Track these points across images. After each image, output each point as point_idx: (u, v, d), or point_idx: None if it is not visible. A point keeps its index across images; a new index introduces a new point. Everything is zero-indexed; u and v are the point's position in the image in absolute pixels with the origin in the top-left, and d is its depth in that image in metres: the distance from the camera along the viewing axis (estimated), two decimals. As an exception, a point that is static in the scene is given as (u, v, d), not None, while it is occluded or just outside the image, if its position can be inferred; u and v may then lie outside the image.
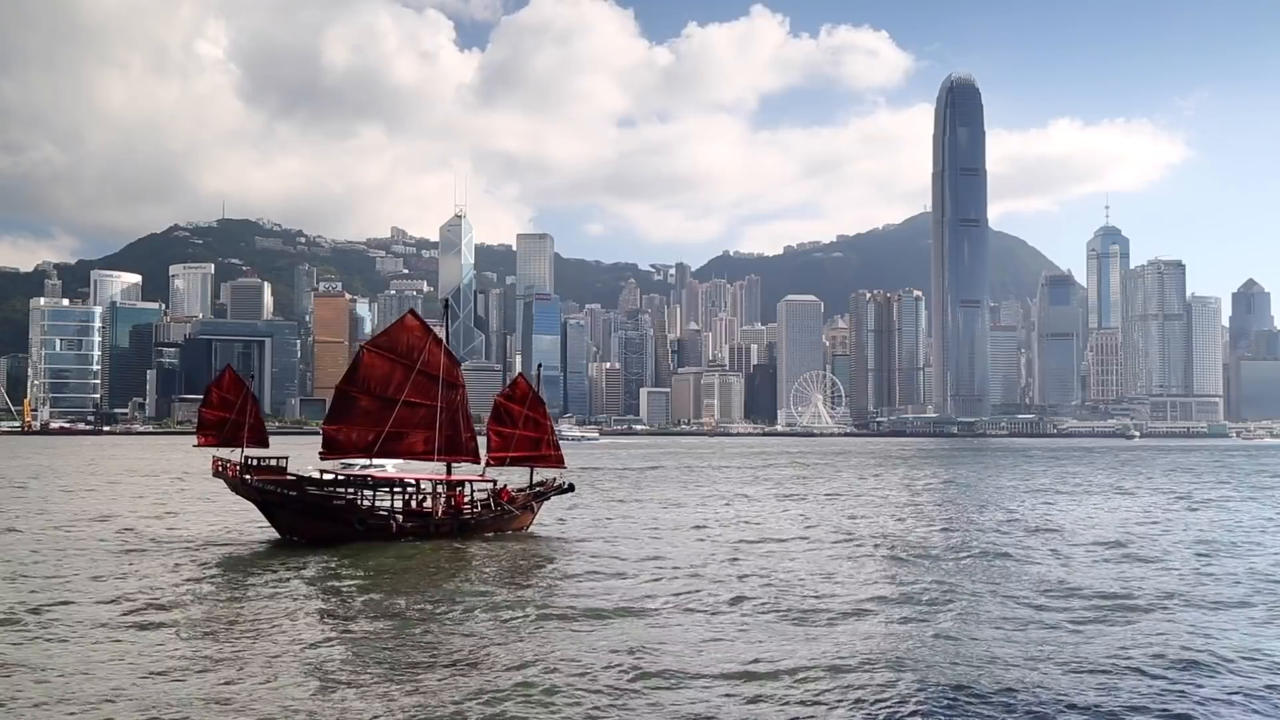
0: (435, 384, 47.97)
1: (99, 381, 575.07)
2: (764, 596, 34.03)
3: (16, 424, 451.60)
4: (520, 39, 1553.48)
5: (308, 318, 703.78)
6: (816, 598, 33.75)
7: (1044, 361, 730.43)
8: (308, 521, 46.28)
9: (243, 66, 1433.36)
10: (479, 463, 51.48)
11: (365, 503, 47.94)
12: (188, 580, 38.00)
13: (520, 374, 56.52)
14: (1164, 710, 21.78)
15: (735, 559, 43.18)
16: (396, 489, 49.49)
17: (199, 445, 51.11)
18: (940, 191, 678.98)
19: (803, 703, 21.90)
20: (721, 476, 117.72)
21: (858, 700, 22.06)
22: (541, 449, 53.66)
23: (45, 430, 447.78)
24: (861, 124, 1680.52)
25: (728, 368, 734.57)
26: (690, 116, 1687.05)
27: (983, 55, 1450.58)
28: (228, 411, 49.94)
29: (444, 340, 48.99)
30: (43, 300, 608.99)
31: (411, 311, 51.16)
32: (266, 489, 46.39)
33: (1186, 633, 28.73)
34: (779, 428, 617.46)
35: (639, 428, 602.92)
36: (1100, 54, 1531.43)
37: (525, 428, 52.60)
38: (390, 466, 57.46)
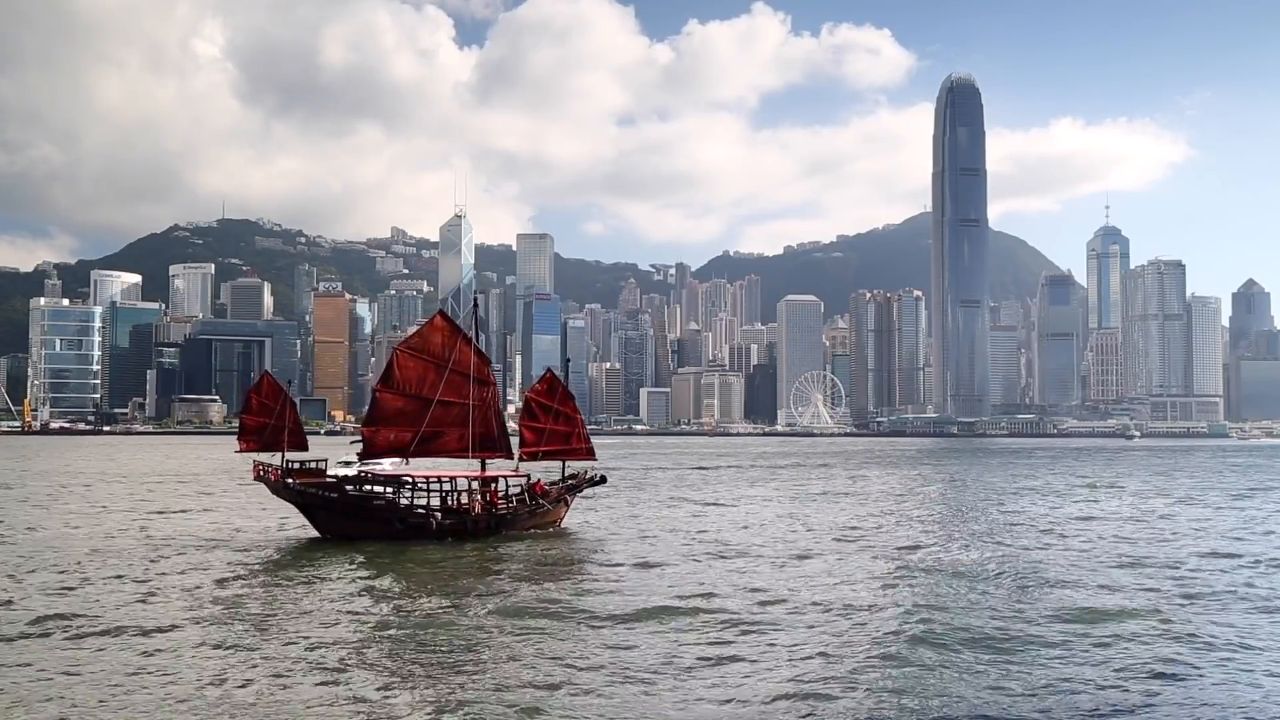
0: (467, 382, 48.31)
1: (99, 381, 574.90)
2: (785, 598, 34.05)
3: (16, 424, 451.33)
4: (519, 36, 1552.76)
5: (308, 318, 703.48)
6: (839, 602, 33.74)
7: (1044, 361, 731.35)
8: (349, 522, 46.57)
9: (240, 65, 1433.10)
10: (512, 458, 51.86)
11: (404, 501, 48.24)
12: (236, 580, 38.31)
13: (549, 370, 56.75)
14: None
15: (752, 560, 43.46)
16: (434, 487, 49.81)
17: (241, 451, 51.57)
18: (940, 191, 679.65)
19: (823, 708, 21.94)
20: (727, 478, 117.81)
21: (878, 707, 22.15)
22: (572, 443, 54.26)
23: (45, 430, 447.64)
24: (862, 123, 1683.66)
25: (728, 368, 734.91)
26: (690, 115, 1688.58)
27: (985, 54, 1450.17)
28: (267, 417, 50.40)
29: (473, 339, 49.20)
30: (43, 300, 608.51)
31: (441, 312, 51.46)
32: (307, 491, 46.72)
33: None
34: (779, 428, 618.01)
35: (639, 428, 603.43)
36: (1103, 53, 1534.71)
37: (557, 423, 53.10)
38: (387, 465, 57.64)
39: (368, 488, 48.52)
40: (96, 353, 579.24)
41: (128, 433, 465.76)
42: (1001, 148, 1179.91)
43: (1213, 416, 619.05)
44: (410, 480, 48.87)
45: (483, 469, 50.97)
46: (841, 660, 25.58)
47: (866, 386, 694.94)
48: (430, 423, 47.31)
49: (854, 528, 57.00)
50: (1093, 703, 22.33)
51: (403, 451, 47.80)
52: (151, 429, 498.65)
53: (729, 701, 22.16)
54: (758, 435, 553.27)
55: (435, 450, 48.61)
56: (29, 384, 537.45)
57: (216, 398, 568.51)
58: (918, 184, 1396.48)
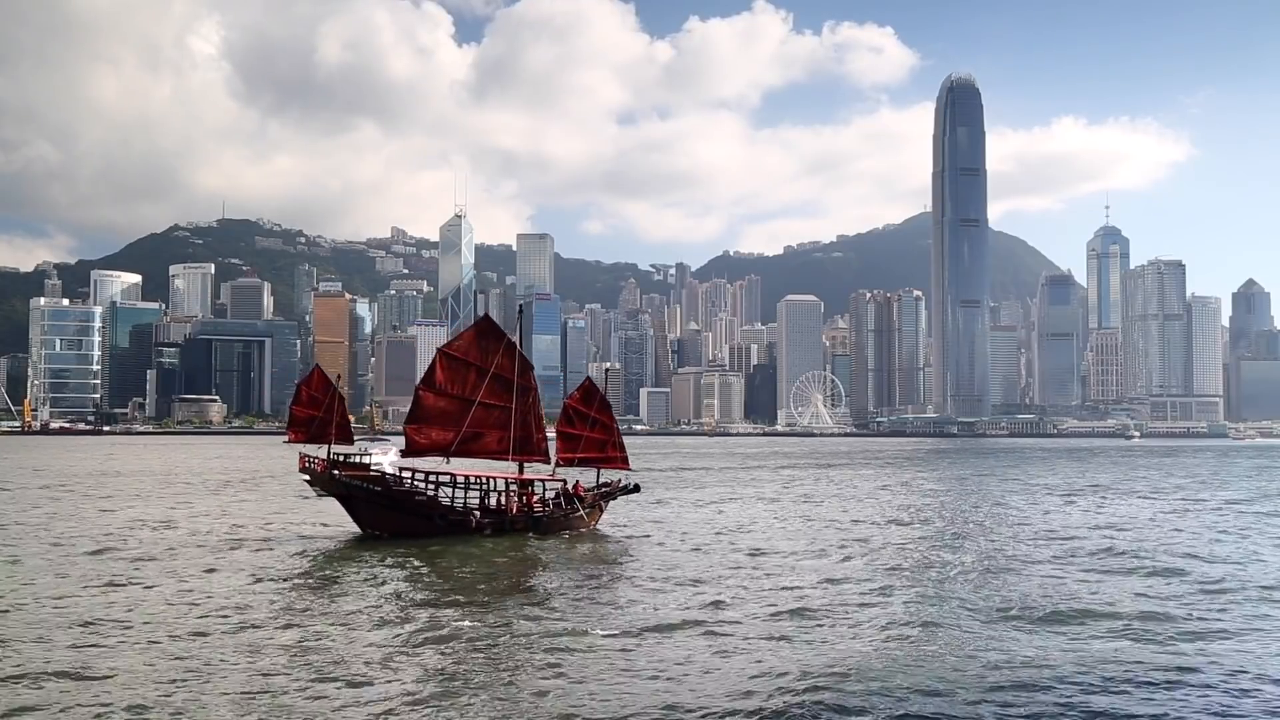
0: (509, 387, 48.49)
1: (99, 381, 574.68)
2: (803, 599, 34.06)
3: (16, 424, 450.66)
4: (518, 33, 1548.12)
5: (308, 318, 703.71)
6: (862, 604, 33.62)
7: (1044, 361, 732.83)
8: (390, 516, 46.86)
9: (235, 63, 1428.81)
10: (549, 463, 52.31)
11: (446, 499, 48.67)
12: (281, 575, 38.57)
13: (588, 378, 57.05)
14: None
15: (771, 560, 43.64)
16: (474, 487, 50.18)
17: (289, 441, 51.92)
18: (940, 191, 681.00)
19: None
20: (741, 478, 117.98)
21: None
22: (608, 450, 54.73)
23: (45, 430, 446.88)
24: (864, 122, 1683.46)
25: (728, 368, 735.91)
26: (691, 113, 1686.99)
27: (988, 52, 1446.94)
28: (316, 409, 50.71)
29: (517, 344, 49.39)
30: (43, 300, 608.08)
31: (486, 315, 51.76)
32: (352, 483, 47.05)
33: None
34: (779, 428, 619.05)
35: (639, 428, 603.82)
36: (1106, 52, 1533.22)
37: (593, 430, 53.48)
38: (387, 464, 58.05)
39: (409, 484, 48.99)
40: (96, 353, 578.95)
41: (128, 433, 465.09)
42: (1004, 147, 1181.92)
43: (1213, 416, 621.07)
44: (450, 478, 49.42)
45: (520, 472, 51.27)
46: (873, 663, 25.64)
47: (866, 386, 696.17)
48: (471, 424, 47.59)
49: (872, 527, 57.32)
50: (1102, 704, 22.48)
51: (444, 451, 48.16)
52: (151, 429, 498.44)
53: (749, 701, 22.24)
54: (758, 435, 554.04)
55: (476, 451, 48.98)
56: (29, 384, 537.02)
57: (216, 398, 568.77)
58: (919, 183, 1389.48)
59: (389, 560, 41.79)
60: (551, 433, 52.47)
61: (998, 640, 27.91)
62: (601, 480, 55.98)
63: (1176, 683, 24.18)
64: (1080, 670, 24.93)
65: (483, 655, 25.98)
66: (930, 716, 21.29)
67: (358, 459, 51.08)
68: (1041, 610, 32.24)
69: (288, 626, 29.36)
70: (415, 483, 48.96)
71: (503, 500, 50.08)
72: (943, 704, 22.00)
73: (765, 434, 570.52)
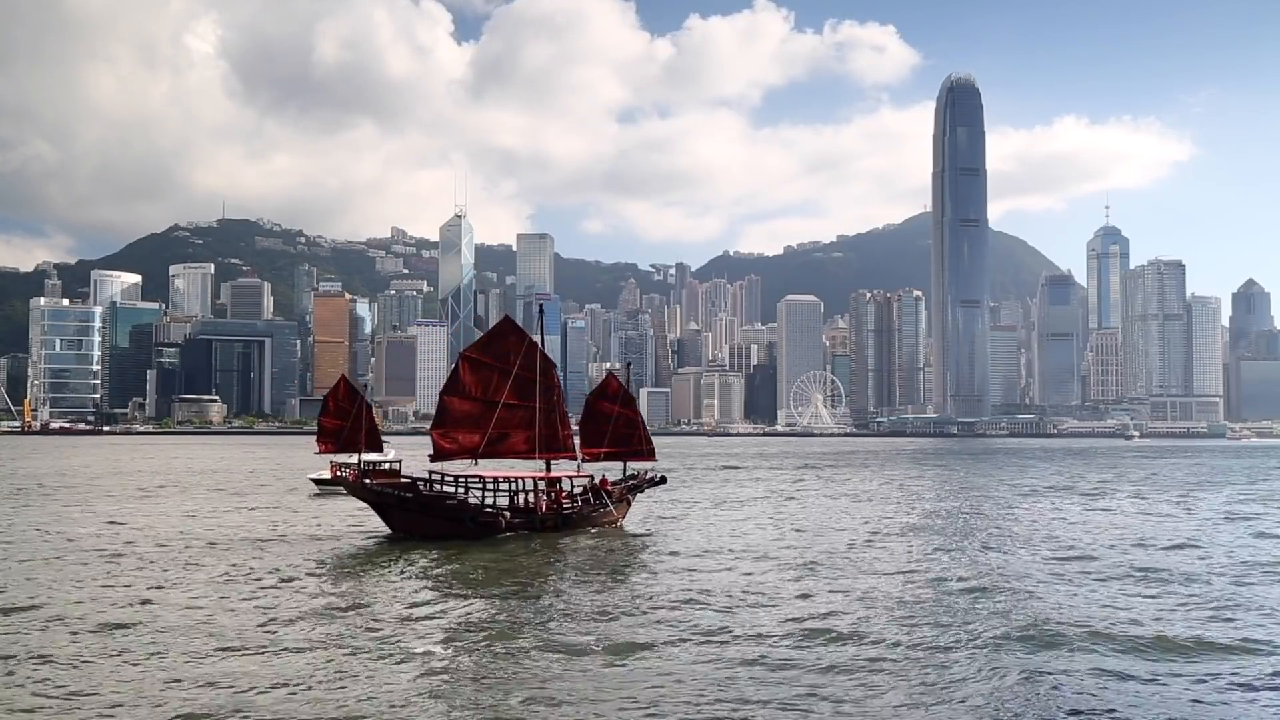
0: (533, 386, 48.59)
1: (99, 381, 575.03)
2: (823, 603, 33.60)
3: (16, 424, 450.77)
4: (516, 30, 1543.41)
5: (308, 318, 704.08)
6: (887, 611, 33.03)
7: (1044, 361, 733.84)
8: (422, 520, 47.06)
9: (233, 61, 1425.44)
10: (576, 459, 52.62)
11: (475, 500, 48.89)
12: (311, 574, 38.58)
13: (610, 373, 57.32)
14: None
15: (792, 560, 43.32)
16: (503, 487, 50.46)
17: (320, 452, 52.20)
18: (940, 191, 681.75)
19: None
20: (762, 476, 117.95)
21: None
22: (633, 444, 55.19)
23: (45, 430, 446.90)
24: (865, 121, 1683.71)
25: (728, 368, 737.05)
26: (691, 111, 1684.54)
27: (990, 51, 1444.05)
28: (344, 420, 50.98)
29: (539, 344, 49.53)
30: (43, 300, 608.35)
31: (506, 317, 52.00)
32: (384, 491, 47.21)
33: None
34: (779, 428, 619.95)
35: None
36: (1107, 51, 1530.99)
37: (618, 424, 53.77)
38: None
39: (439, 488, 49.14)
40: (96, 353, 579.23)
41: (128, 433, 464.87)
42: (1004, 146, 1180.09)
43: (1213, 416, 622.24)
44: (480, 480, 49.59)
45: (548, 469, 51.42)
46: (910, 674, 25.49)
47: (866, 386, 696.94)
48: (496, 425, 47.68)
49: (879, 530, 56.87)
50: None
51: (472, 454, 48.26)
52: (151, 429, 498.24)
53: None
54: (758, 435, 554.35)
55: (503, 452, 49.13)
56: (29, 384, 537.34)
57: (216, 398, 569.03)
58: (919, 183, 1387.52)
59: (414, 563, 41.64)
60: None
61: (1020, 659, 27.54)
62: (628, 473, 56.39)
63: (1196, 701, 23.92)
64: (1095, 687, 24.70)
65: (487, 660, 25.75)
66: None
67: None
68: (1052, 624, 31.84)
69: (301, 628, 29.27)
70: (437, 486, 49.01)
71: (531, 499, 50.21)
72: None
73: (765, 434, 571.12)
